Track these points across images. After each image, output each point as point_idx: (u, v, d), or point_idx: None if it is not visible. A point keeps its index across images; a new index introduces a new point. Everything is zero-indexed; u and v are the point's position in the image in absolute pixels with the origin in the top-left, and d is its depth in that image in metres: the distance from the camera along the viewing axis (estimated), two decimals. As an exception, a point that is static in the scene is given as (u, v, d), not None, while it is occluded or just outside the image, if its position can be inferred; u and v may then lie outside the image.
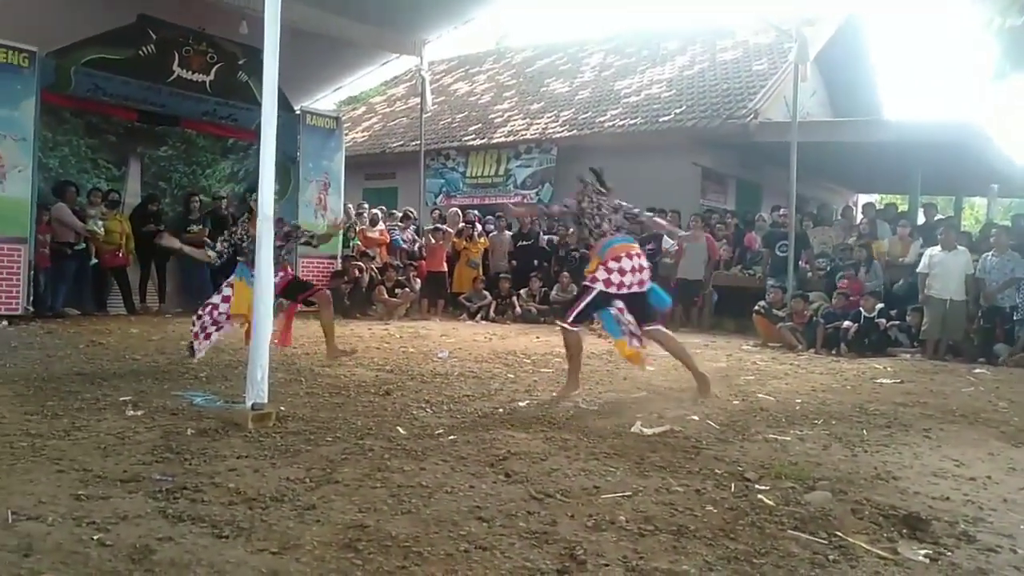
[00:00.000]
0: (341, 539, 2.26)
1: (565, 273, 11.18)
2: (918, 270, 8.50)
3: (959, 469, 3.53)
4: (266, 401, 3.81)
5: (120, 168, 10.66)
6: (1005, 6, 5.69)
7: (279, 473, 2.94)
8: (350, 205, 12.44)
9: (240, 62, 10.43)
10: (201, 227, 10.35)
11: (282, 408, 4.06)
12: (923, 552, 2.47)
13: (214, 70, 10.26)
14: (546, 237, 12.01)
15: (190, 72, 10.03)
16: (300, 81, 12.60)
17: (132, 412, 3.93)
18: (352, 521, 2.43)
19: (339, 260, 11.22)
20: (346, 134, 15.94)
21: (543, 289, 11.24)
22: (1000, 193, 14.83)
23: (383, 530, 2.36)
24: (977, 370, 7.21)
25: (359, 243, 11.58)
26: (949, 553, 2.47)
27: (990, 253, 8.33)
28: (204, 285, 10.49)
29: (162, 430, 3.57)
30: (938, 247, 8.42)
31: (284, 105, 11.29)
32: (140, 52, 9.54)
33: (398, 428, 3.83)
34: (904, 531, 2.65)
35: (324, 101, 15.05)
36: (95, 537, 2.17)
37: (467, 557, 2.21)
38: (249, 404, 3.75)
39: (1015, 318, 8.06)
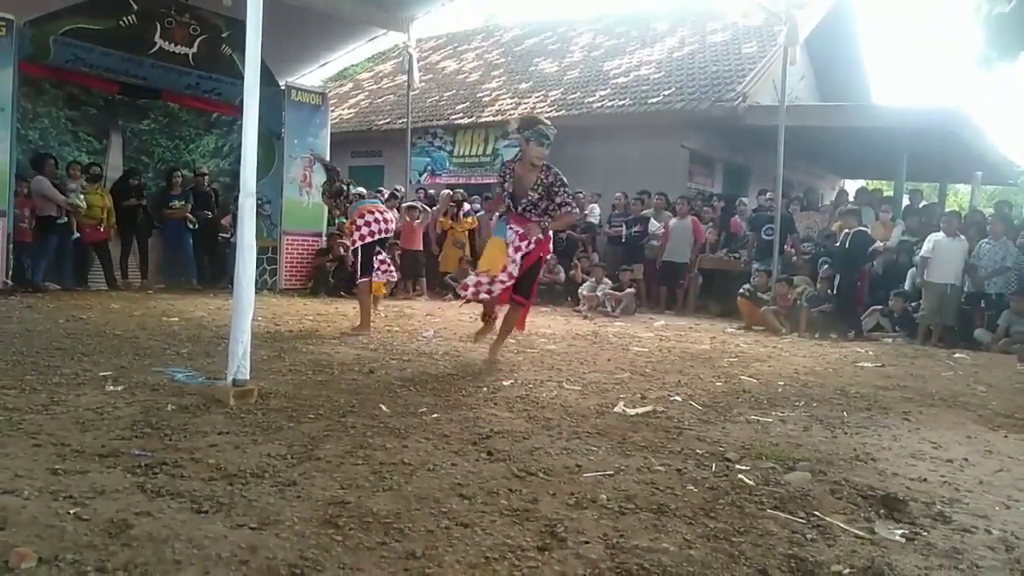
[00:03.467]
0: (321, 515, 2.25)
1: (552, 254, 11.17)
2: (920, 254, 8.56)
3: (937, 451, 3.57)
4: (248, 378, 3.78)
5: (101, 141, 10.50)
6: (994, -9, 5.69)
7: (260, 449, 2.92)
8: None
9: (224, 35, 10.26)
10: (183, 203, 10.24)
11: (264, 385, 4.03)
12: (899, 532, 2.50)
13: (197, 43, 10.10)
14: (534, 218, 11.94)
15: (172, 44, 9.86)
16: (286, 56, 12.43)
17: (112, 387, 3.88)
18: (333, 497, 2.42)
19: (323, 237, 11.15)
20: (332, 111, 15.79)
21: (529, 270, 11.21)
22: (984, 180, 14.96)
23: (364, 506, 2.35)
24: (957, 355, 7.30)
25: (345, 221, 11.48)
26: (925, 533, 2.50)
27: (985, 240, 8.40)
28: (187, 260, 10.43)
29: (142, 406, 3.53)
30: (940, 232, 8.49)
31: (269, 80, 11.13)
32: (121, 23, 9.36)
33: (381, 406, 3.81)
34: (881, 511, 2.68)
35: (310, 77, 14.84)
36: (71, 511, 2.15)
37: (448, 534, 2.20)
38: (230, 380, 3.72)
39: (1000, 305, 8.15)
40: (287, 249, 10.89)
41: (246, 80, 3.94)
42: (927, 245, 8.47)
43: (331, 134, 12.05)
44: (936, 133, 10.66)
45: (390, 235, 7.04)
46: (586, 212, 11.75)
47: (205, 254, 10.76)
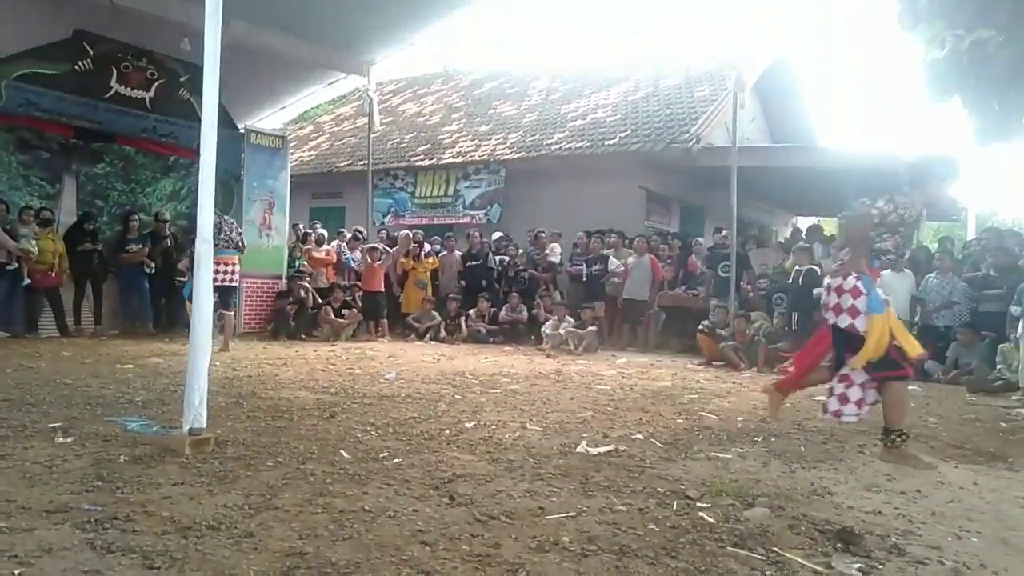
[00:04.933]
0: (279, 567, 2.21)
1: (515, 293, 11.24)
2: None
3: (891, 483, 3.65)
4: (204, 426, 3.71)
5: (54, 185, 10.30)
6: (929, 39, 5.99)
7: (216, 500, 2.85)
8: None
9: (182, 79, 10.26)
10: (140, 247, 10.07)
11: (221, 433, 3.95)
12: (856, 566, 2.54)
13: (154, 87, 10.07)
14: (496, 258, 12.05)
15: (129, 88, 9.81)
16: (245, 99, 12.42)
17: (61, 439, 3.77)
18: (291, 548, 2.38)
19: (284, 280, 11.04)
20: (292, 153, 15.77)
21: (492, 309, 11.25)
22: (928, 217, 15.52)
23: (323, 556, 2.32)
24: (909, 387, 7.46)
25: (304, 263, 11.41)
26: (880, 566, 2.55)
27: (932, 275, 8.68)
28: (143, 305, 10.21)
29: (93, 457, 3.44)
30: (888, 269, 8.74)
31: (227, 123, 11.11)
32: (76, 67, 9.30)
33: (341, 452, 3.77)
34: (838, 545, 2.73)
35: (270, 119, 14.85)
36: (16, 572, 2.07)
37: (409, 582, 2.18)
38: (186, 429, 3.64)
39: (948, 338, 8.41)
40: (246, 292, 10.75)
41: (203, 128, 3.94)
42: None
43: (292, 176, 12.03)
44: (878, 174, 11.06)
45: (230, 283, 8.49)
46: (547, 251, 11.88)
47: (162, 298, 10.56)
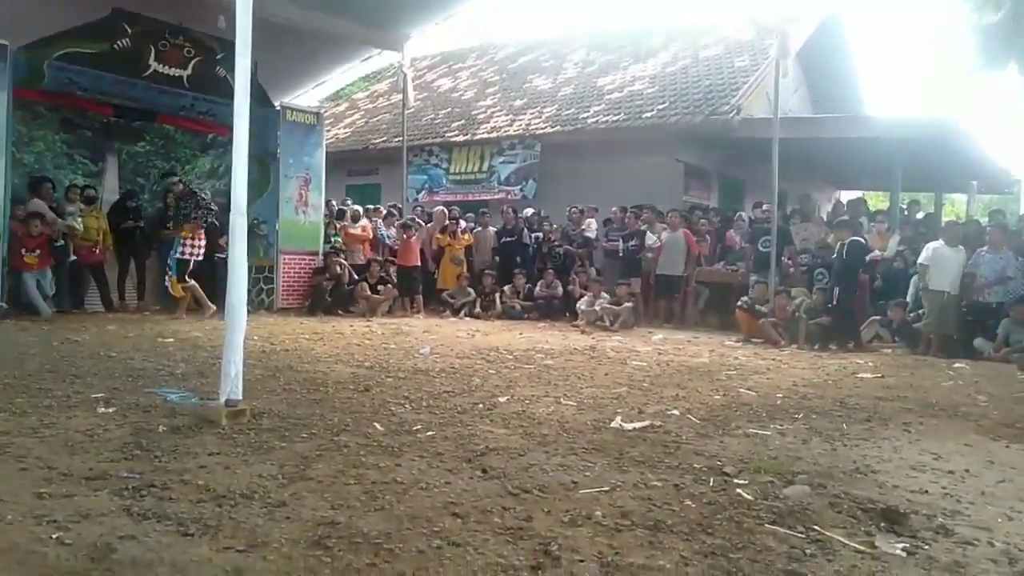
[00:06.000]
0: (311, 536, 2.21)
1: (550, 270, 11.16)
2: (920, 261, 8.53)
3: (938, 463, 3.53)
4: (240, 398, 3.75)
5: (97, 164, 10.48)
6: (981, 2, 5.72)
7: (251, 470, 2.88)
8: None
9: (218, 56, 10.31)
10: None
11: (257, 405, 3.99)
12: (900, 546, 2.45)
13: (191, 64, 10.14)
14: (532, 235, 11.98)
15: (167, 67, 9.90)
16: (280, 77, 12.47)
17: (103, 409, 3.85)
18: (323, 518, 2.38)
19: (320, 256, 11.13)
20: (328, 130, 15.84)
21: (527, 285, 11.21)
22: (979, 190, 14.98)
23: (354, 527, 2.31)
24: (957, 365, 7.25)
25: (340, 239, 11.48)
26: (927, 546, 2.46)
27: (984, 249, 8.38)
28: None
29: (133, 427, 3.50)
30: (941, 241, 8.46)
31: (263, 101, 11.17)
32: (115, 46, 9.40)
33: (375, 424, 3.78)
34: (882, 524, 2.64)
35: (305, 97, 14.92)
36: (54, 536, 2.11)
37: (439, 554, 2.16)
38: (223, 401, 3.68)
39: (1000, 315, 8.12)
40: (284, 268, 10.87)
41: (236, 102, 3.93)
42: (926, 253, 8.44)
43: (327, 153, 12.08)
44: (929, 144, 10.67)
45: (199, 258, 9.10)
46: (583, 227, 11.75)
47: (202, 275, 10.72)
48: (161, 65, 9.88)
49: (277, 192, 10.86)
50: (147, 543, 2.10)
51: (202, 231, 9.06)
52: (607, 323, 9.76)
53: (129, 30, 9.50)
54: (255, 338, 7.03)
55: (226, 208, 10.55)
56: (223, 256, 10.10)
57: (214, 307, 8.79)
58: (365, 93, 20.82)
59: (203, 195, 9.19)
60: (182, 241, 8.89)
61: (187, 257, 8.93)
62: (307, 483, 2.76)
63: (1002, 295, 8.15)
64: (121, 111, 10.37)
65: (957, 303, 8.25)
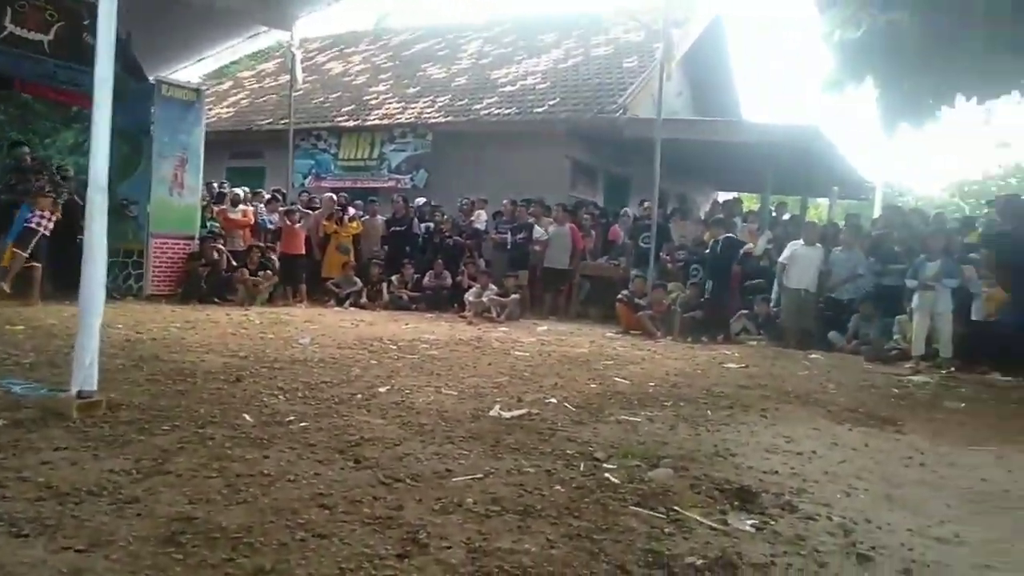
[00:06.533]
0: (162, 533, 2.11)
1: (439, 260, 11.11)
2: (780, 260, 9.08)
3: (789, 445, 3.79)
4: (95, 388, 3.51)
5: (-61, 132, 9.51)
6: (844, 19, 6.14)
7: (101, 465, 2.70)
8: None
9: (85, 22, 9.55)
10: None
11: (115, 396, 3.75)
12: (750, 522, 2.62)
13: (54, 29, 9.35)
14: (423, 225, 11.88)
15: (25, 30, 9.07)
16: (157, 49, 11.72)
17: (-66, 402, 3.50)
18: (179, 513, 2.27)
19: (196, 240, 10.57)
20: (209, 109, 15.04)
21: (415, 276, 11.11)
22: (840, 195, 16.16)
23: (212, 522, 2.22)
24: (813, 356, 7.81)
25: (218, 223, 10.94)
26: (773, 522, 2.64)
27: (839, 249, 9.03)
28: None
29: (-32, 421, 3.20)
30: (800, 241, 9.03)
31: (136, 73, 10.47)
32: (-36, 5, 8.53)
33: (245, 416, 3.64)
34: (735, 503, 2.81)
35: (185, 72, 14.05)
36: None
37: (302, 546, 2.11)
38: (75, 391, 3.43)
39: (851, 310, 8.80)
40: (155, 252, 10.23)
41: (97, 64, 3.66)
42: (786, 252, 9.04)
43: (208, 133, 11.46)
44: (796, 150, 11.40)
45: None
46: (472, 218, 11.77)
47: (62, 258, 9.93)
48: (18, 28, 9.05)
49: (150, 171, 10.19)
50: (-28, 545, 1.93)
51: (58, 208, 8.43)
52: (494, 314, 9.83)
53: (-20, -12, 8.65)
54: (120, 326, 6.61)
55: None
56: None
57: (39, 302, 8.16)
58: (251, 72, 19.94)
59: (60, 170, 8.65)
60: (32, 211, 8.20)
61: (35, 227, 8.21)
62: (164, 477, 2.62)
63: (853, 292, 8.83)
64: (-30, 76, 9.45)
65: (814, 299, 8.88)
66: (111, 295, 9.64)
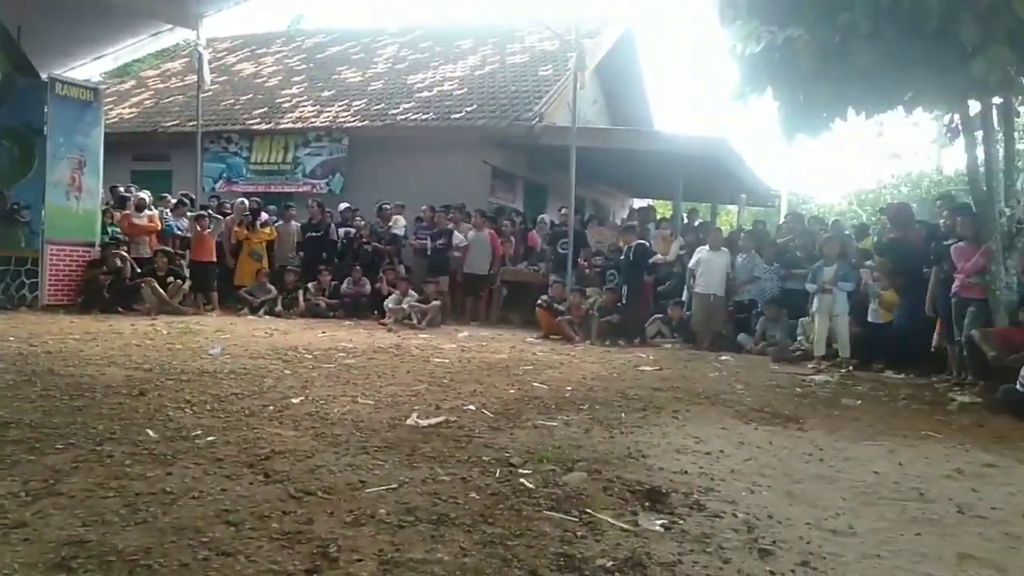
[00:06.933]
0: (51, 559, 1.99)
1: (357, 266, 10.94)
2: (689, 266, 9.37)
3: (698, 445, 3.92)
4: (-21, 406, 3.28)
5: None
6: (746, 35, 6.41)
7: (-15, 488, 2.53)
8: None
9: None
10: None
11: (3, 414, 3.52)
12: (660, 522, 2.69)
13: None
14: (341, 230, 11.67)
15: None
16: (51, 45, 11.11)
17: None
18: (71, 536, 2.15)
19: (97, 247, 10.05)
20: (111, 109, 14.37)
21: (332, 283, 10.90)
22: (747, 202, 16.88)
23: (108, 544, 2.11)
24: (723, 357, 8.10)
25: (120, 229, 10.43)
26: (681, 521, 2.72)
27: (740, 255, 9.42)
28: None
29: None
30: (707, 247, 9.34)
31: (26, 70, 9.87)
32: None
33: (147, 431, 3.48)
34: (646, 504, 2.88)
35: (83, 70, 13.34)
36: None
37: (205, 565, 2.04)
38: (-44, 411, 3.20)
39: (753, 312, 9.19)
40: (51, 260, 9.67)
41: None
42: (694, 258, 9.37)
43: (110, 134, 10.94)
44: (705, 160, 11.83)
45: None
46: (390, 224, 11.65)
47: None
48: None
49: (44, 174, 9.62)
50: None
51: None
52: (415, 321, 9.76)
53: None
54: (11, 338, 6.23)
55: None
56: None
57: None
58: (156, 72, 19.13)
59: None
60: None
61: None
62: (56, 499, 2.47)
63: (756, 293, 9.23)
64: None
65: (723, 303, 9.22)
66: (2, 306, 9.07)
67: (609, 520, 2.66)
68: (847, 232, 10.60)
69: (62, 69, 11.94)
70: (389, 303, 10.15)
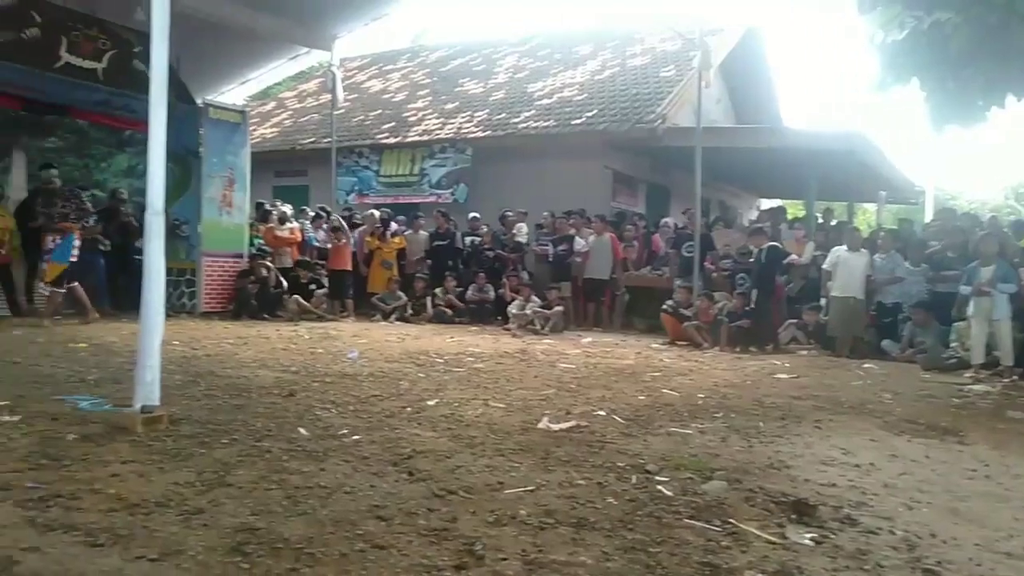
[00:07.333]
0: (228, 543, 2.16)
1: (481, 273, 11.19)
2: (823, 267, 8.92)
3: (845, 457, 3.71)
4: (157, 404, 3.62)
5: (3, 160, 9.94)
6: (887, 21, 6.03)
7: (167, 478, 2.78)
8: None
9: (135, 50, 9.90)
10: (94, 224, 9.77)
11: (175, 411, 3.86)
12: (809, 536, 2.58)
13: (106, 57, 9.71)
14: (467, 239, 11.98)
15: (80, 58, 9.45)
16: (203, 73, 12.11)
17: (7, 417, 3.65)
18: (242, 524, 2.33)
19: (245, 258, 10.84)
20: (254, 129, 15.43)
21: (459, 289, 11.20)
22: (887, 200, 15.81)
23: (275, 532, 2.27)
24: (866, 365, 7.63)
25: (264, 241, 11.19)
26: (833, 536, 2.59)
27: (878, 254, 8.85)
28: (98, 284, 9.94)
29: (39, 436, 3.33)
30: (844, 247, 8.86)
31: (184, 97, 10.81)
32: (23, 35, 8.91)
33: (300, 429, 3.71)
34: (793, 516, 2.77)
35: (230, 94, 14.47)
36: (-50, 551, 2.00)
37: (362, 557, 2.15)
38: (138, 407, 3.55)
39: (899, 316, 8.60)
40: (206, 271, 10.53)
41: (151, 95, 3.80)
42: (830, 259, 8.87)
43: (253, 153, 11.78)
44: (841, 156, 11.20)
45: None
46: (514, 231, 11.82)
47: (119, 277, 10.29)
48: (73, 57, 9.43)
49: (199, 192, 10.51)
50: (52, 555, 2.01)
51: (82, 233, 8.50)
52: (538, 327, 9.85)
53: (38, 19, 9.02)
54: (176, 343, 6.80)
55: (143, 207, 10.15)
56: (140, 257, 9.76)
57: (96, 315, 8.36)
58: (293, 92, 20.39)
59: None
60: (60, 239, 8.16)
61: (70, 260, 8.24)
62: (227, 489, 2.69)
63: (900, 296, 8.62)
64: (30, 104, 9.86)
65: (864, 307, 8.68)
66: (166, 313, 9.95)
67: (754, 531, 2.58)
68: (1005, 229, 9.71)
69: (213, 94, 13.01)
70: (512, 309, 10.30)
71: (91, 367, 5.37)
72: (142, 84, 9.86)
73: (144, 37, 9.65)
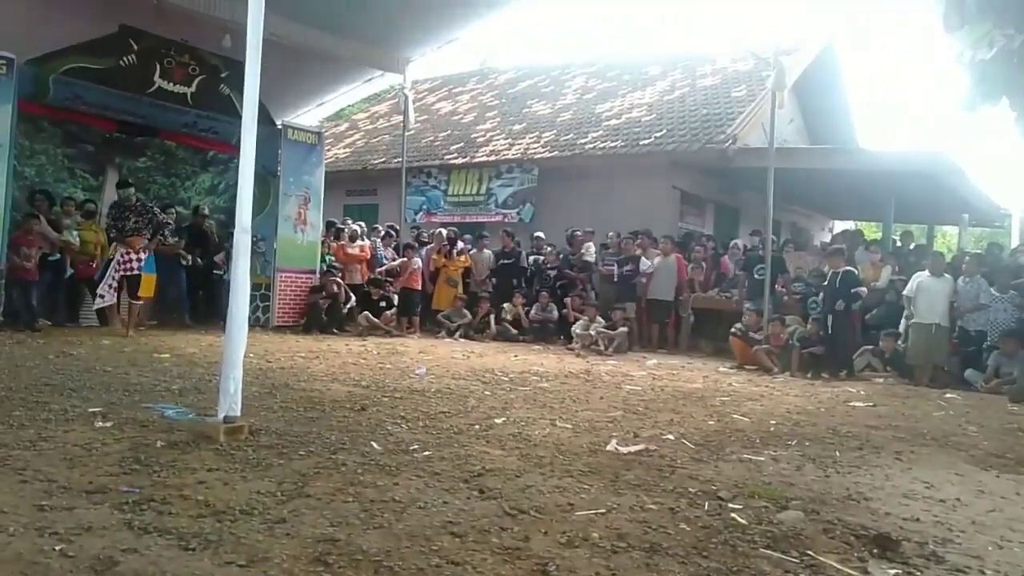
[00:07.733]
0: (311, 553, 2.23)
1: (544, 292, 11.22)
2: (904, 292, 8.62)
3: (929, 491, 3.56)
4: (239, 414, 3.77)
5: (97, 178, 10.55)
6: (975, 40, 5.84)
7: (249, 486, 2.89)
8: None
9: (223, 75, 10.40)
10: (177, 239, 10.24)
11: (254, 422, 4.01)
12: (892, 572, 2.49)
13: (196, 82, 10.22)
14: (531, 257, 12.05)
15: (171, 84, 9.98)
16: (282, 95, 12.59)
17: (101, 424, 3.85)
18: (323, 535, 2.40)
19: (317, 275, 11.17)
20: (328, 150, 15.93)
21: (524, 308, 11.25)
22: (970, 223, 15.15)
23: (354, 544, 2.33)
24: (948, 395, 7.31)
25: (335, 258, 11.51)
26: (918, 573, 2.50)
27: (962, 279, 8.50)
28: (180, 297, 10.40)
29: (131, 442, 3.51)
30: (926, 272, 8.55)
31: (265, 119, 11.25)
32: (121, 62, 9.49)
33: (372, 443, 3.79)
34: (875, 551, 2.67)
35: (306, 116, 15.03)
36: (57, 547, 2.12)
37: (438, 572, 2.19)
38: (221, 417, 3.70)
39: (984, 344, 8.21)
40: (280, 286, 10.89)
41: (244, 120, 4.01)
42: (911, 284, 8.54)
43: (325, 172, 12.16)
44: (920, 177, 10.83)
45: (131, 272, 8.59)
46: (582, 251, 11.82)
47: (199, 291, 10.75)
48: (166, 82, 9.97)
49: (276, 210, 10.91)
50: (149, 556, 2.11)
51: (150, 246, 8.80)
52: (602, 347, 9.79)
53: (135, 47, 9.59)
54: (251, 355, 7.03)
55: (226, 225, 10.53)
56: (221, 273, 10.18)
57: (132, 333, 8.46)
58: (365, 114, 21.00)
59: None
60: (127, 253, 8.50)
61: (134, 271, 8.56)
62: (306, 500, 2.78)
63: (984, 324, 8.23)
64: (124, 127, 10.46)
65: (947, 334, 8.32)
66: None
67: (834, 564, 2.50)
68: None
69: (290, 115, 13.54)
70: (577, 329, 10.28)
71: (175, 377, 5.62)
72: (227, 107, 10.43)
73: (230, 63, 10.17)
